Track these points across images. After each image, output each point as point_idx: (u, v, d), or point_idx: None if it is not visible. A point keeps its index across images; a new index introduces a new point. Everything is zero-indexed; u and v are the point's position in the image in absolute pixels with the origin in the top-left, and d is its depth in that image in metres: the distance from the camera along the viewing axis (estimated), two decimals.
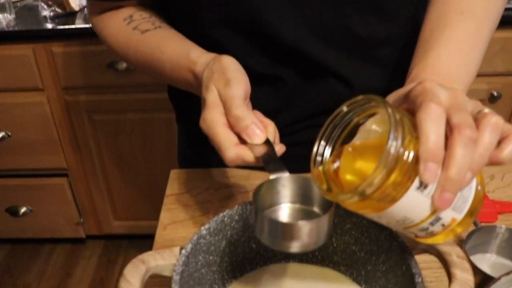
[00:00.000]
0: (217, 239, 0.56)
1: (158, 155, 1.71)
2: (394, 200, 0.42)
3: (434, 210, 0.43)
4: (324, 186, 0.48)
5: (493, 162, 0.43)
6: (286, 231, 0.49)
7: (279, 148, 0.54)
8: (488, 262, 0.65)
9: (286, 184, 0.53)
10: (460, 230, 0.47)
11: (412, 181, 0.41)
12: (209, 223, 0.55)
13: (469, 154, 0.40)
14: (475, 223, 0.69)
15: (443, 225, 0.45)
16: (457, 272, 0.51)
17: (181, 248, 0.52)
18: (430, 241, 0.48)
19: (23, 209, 1.85)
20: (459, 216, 0.45)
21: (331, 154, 0.49)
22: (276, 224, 0.49)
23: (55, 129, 1.67)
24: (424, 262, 0.53)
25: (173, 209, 0.74)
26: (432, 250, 0.54)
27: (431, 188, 0.41)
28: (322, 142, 0.49)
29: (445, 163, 0.40)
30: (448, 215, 0.44)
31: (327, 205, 0.50)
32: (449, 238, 0.47)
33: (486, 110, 0.44)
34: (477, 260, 0.63)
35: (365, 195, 0.41)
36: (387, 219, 0.45)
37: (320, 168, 0.49)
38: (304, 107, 0.77)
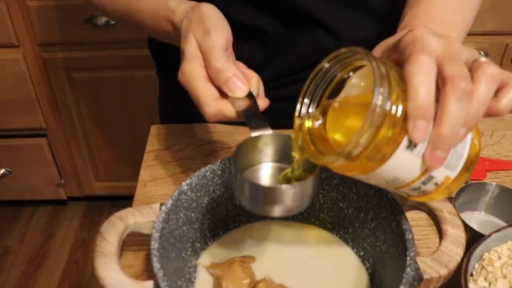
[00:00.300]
0: (199, 195, 0.54)
1: (139, 113, 1.67)
2: (382, 160, 0.39)
3: (426, 170, 0.41)
4: (312, 147, 0.45)
5: (489, 114, 0.41)
6: (268, 195, 0.47)
7: (262, 102, 0.52)
8: (476, 219, 0.64)
9: (268, 142, 0.50)
10: (455, 187, 0.45)
11: (401, 140, 0.38)
12: (191, 178, 0.53)
13: (463, 109, 0.37)
14: None
15: (436, 184, 0.43)
16: (448, 229, 0.50)
17: (161, 205, 0.50)
18: (423, 199, 0.46)
19: (1, 171, 1.81)
20: (453, 174, 0.43)
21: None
22: (258, 188, 0.47)
23: (32, 88, 1.62)
24: (412, 219, 0.51)
25: (153, 166, 0.72)
26: (422, 206, 0.53)
27: (421, 147, 0.39)
28: (306, 101, 0.46)
29: (436, 119, 0.38)
30: (441, 174, 0.42)
31: (311, 165, 0.47)
32: (445, 196, 0.46)
33: (483, 59, 0.41)
34: (465, 217, 0.63)
35: (351, 156, 0.38)
36: (376, 180, 0.43)
37: (306, 123, 0.46)
38: (290, 60, 0.74)
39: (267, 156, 0.51)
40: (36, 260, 1.81)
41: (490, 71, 0.39)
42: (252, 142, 0.50)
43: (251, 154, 0.50)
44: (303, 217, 0.62)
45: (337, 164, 0.40)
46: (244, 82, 0.50)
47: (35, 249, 1.85)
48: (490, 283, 0.49)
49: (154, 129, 0.80)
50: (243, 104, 0.50)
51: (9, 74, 1.57)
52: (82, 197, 1.96)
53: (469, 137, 0.43)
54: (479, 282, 0.49)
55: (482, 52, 1.53)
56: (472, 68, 0.40)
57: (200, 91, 0.50)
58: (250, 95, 0.50)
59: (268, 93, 0.55)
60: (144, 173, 0.71)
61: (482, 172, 0.72)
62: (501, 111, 0.41)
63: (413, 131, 0.37)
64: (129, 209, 0.51)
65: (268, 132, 0.49)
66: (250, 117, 0.49)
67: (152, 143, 0.77)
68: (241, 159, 0.49)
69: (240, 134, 0.77)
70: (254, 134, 0.49)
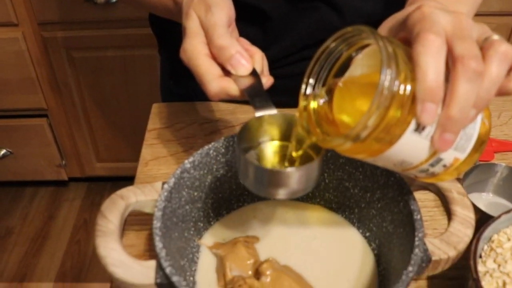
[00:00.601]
0: (202, 173, 0.53)
1: (140, 93, 1.66)
2: (390, 142, 0.38)
3: (434, 152, 0.40)
4: (317, 130, 0.44)
5: (501, 93, 0.39)
6: (273, 178, 0.45)
7: (267, 80, 0.50)
8: (484, 201, 0.64)
9: (273, 122, 0.49)
10: (465, 169, 0.43)
11: (410, 120, 0.37)
12: (194, 156, 0.51)
13: (474, 89, 0.36)
14: None
15: (444, 165, 0.42)
16: (458, 210, 0.48)
17: (164, 183, 0.49)
18: (432, 180, 0.45)
19: (2, 151, 1.80)
20: (462, 156, 0.42)
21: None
22: (262, 171, 0.46)
23: (32, 68, 1.60)
24: (418, 200, 0.50)
25: (155, 145, 0.71)
26: (431, 186, 0.52)
27: (430, 129, 0.38)
28: (311, 81, 0.44)
29: (446, 100, 0.36)
30: (450, 156, 0.41)
31: (317, 145, 0.46)
32: (454, 177, 0.45)
33: (495, 36, 0.39)
34: (473, 198, 0.62)
35: (359, 138, 0.37)
36: (383, 163, 0.42)
37: (311, 103, 0.45)
38: (294, 39, 0.73)
39: (271, 136, 0.50)
40: (38, 241, 1.81)
41: (503, 50, 0.37)
42: (256, 122, 0.48)
43: (255, 134, 0.49)
44: (308, 197, 0.61)
45: (345, 147, 0.39)
46: (248, 60, 0.49)
47: (37, 229, 1.85)
48: (499, 265, 0.48)
49: (155, 107, 0.78)
50: (247, 82, 0.48)
51: (8, 53, 1.55)
52: (83, 178, 1.95)
53: (479, 117, 0.41)
54: (488, 264, 0.48)
55: None
56: (484, 47, 0.38)
57: (202, 69, 0.48)
58: (254, 73, 0.49)
59: (272, 71, 0.54)
60: (146, 152, 0.70)
61: (490, 153, 0.70)
62: None
63: (421, 114, 0.36)
64: (130, 188, 0.49)
65: (273, 111, 0.48)
66: (254, 96, 0.48)
67: (154, 122, 0.75)
68: (245, 140, 0.48)
69: (243, 112, 0.75)
70: (258, 114, 0.48)
